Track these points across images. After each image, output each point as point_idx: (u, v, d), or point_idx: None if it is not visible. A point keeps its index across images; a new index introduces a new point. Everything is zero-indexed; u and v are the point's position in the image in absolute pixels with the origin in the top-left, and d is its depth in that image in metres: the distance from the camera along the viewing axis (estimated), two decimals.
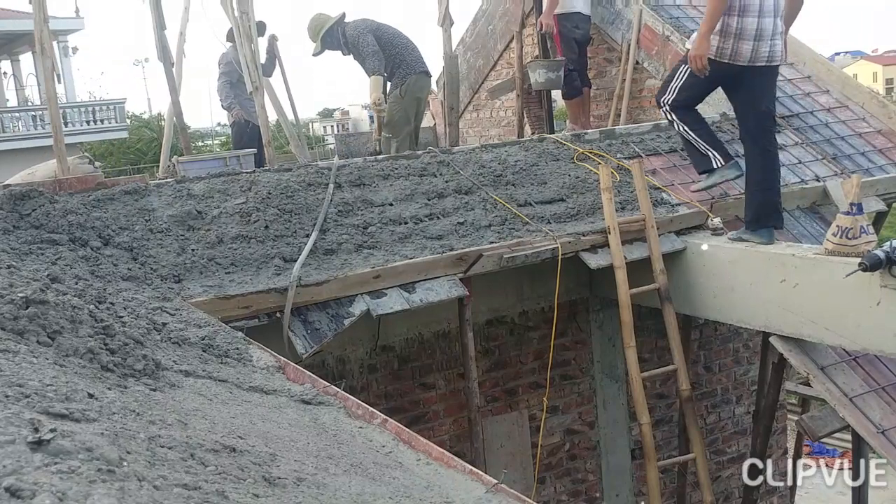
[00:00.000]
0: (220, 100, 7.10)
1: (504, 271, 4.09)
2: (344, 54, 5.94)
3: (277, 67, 7.00)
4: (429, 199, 4.28)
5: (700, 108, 5.89)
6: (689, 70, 4.27)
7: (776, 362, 4.58)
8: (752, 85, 4.22)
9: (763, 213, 4.23)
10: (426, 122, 7.86)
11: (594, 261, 4.23)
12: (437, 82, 7.99)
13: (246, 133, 6.89)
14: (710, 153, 4.44)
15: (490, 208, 4.29)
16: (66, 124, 20.85)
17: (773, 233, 4.25)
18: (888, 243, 3.37)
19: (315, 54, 6.11)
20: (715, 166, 4.44)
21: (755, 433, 5.22)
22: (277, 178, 4.09)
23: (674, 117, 4.46)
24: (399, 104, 5.89)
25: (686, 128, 4.44)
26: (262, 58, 6.76)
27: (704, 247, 4.36)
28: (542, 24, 6.29)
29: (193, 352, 2.35)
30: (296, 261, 3.56)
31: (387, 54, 5.85)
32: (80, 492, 0.95)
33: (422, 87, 6.01)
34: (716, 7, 4.10)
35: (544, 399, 4.74)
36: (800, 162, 5.42)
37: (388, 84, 5.96)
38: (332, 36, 5.94)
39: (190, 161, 5.53)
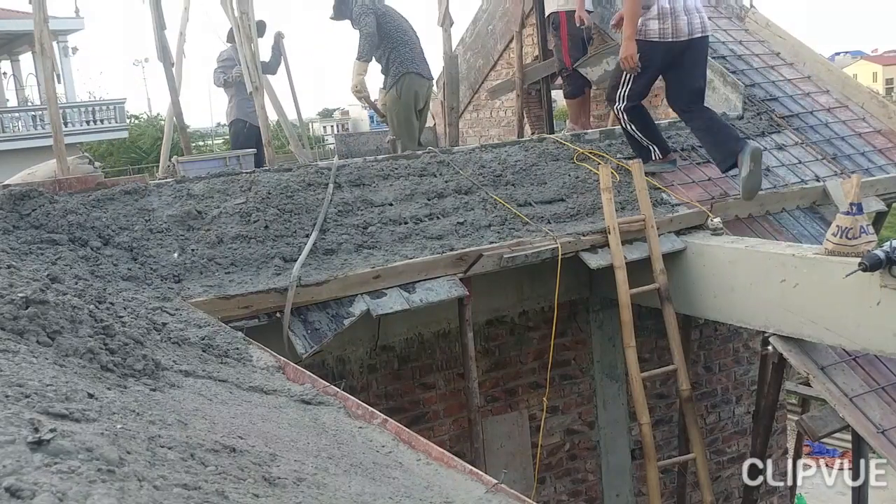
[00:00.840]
0: (213, 81, 7.08)
1: (504, 271, 4.09)
2: (353, 27, 5.74)
3: (282, 65, 6.98)
4: (429, 199, 4.28)
5: None
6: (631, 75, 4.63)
7: (776, 362, 4.58)
8: (686, 61, 4.61)
9: (730, 145, 4.56)
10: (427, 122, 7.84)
11: (594, 261, 4.23)
12: (437, 82, 7.98)
13: (242, 133, 6.88)
14: (650, 147, 4.85)
15: (490, 208, 4.29)
16: (65, 124, 20.84)
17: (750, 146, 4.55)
18: (888, 243, 3.36)
19: (331, 18, 5.93)
20: (653, 158, 4.85)
21: (755, 433, 5.22)
22: (277, 178, 4.09)
23: (625, 117, 4.80)
24: (397, 105, 5.75)
25: (633, 127, 4.80)
26: (267, 56, 6.76)
27: (717, 220, 4.51)
28: (580, 19, 6.13)
29: (193, 352, 2.35)
30: (296, 261, 3.56)
31: (384, 45, 5.66)
32: (80, 492, 0.95)
33: (415, 87, 5.77)
34: (633, 10, 4.51)
35: (544, 399, 4.74)
36: (800, 162, 5.42)
37: (386, 79, 5.86)
38: (346, 5, 5.73)
39: (190, 161, 5.53)
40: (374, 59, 5.76)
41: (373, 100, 6.30)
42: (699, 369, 5.66)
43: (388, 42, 5.69)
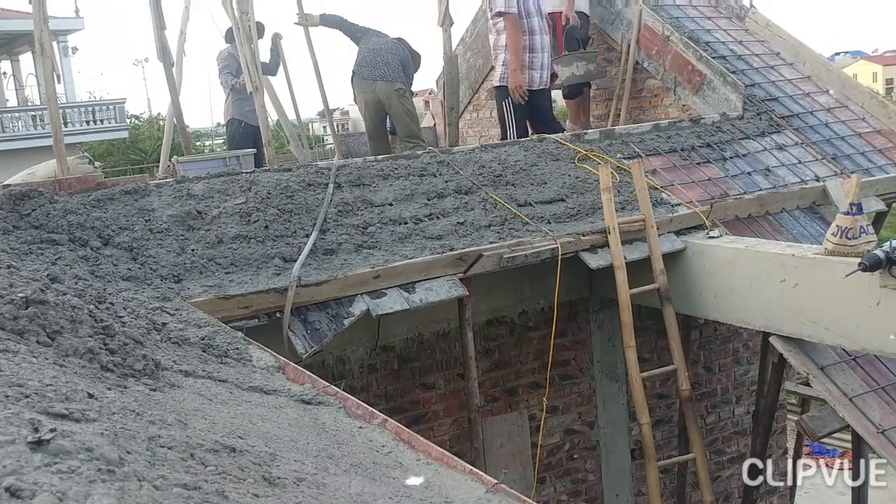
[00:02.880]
0: (221, 83, 7.06)
1: (504, 271, 4.08)
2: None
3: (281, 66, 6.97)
4: (429, 199, 4.28)
5: (700, 107, 5.92)
6: (510, 104, 5.71)
7: (776, 362, 4.58)
8: (537, 103, 5.86)
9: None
10: (426, 122, 7.85)
11: (594, 261, 4.23)
12: (437, 82, 7.97)
13: (238, 132, 6.85)
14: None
15: (490, 208, 4.29)
16: (65, 124, 20.84)
17: None
18: (888, 243, 3.36)
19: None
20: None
21: (755, 433, 5.22)
22: (277, 178, 4.09)
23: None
24: None
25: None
26: (266, 58, 6.75)
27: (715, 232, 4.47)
28: (567, 18, 6.36)
29: (193, 352, 2.35)
30: (296, 261, 3.56)
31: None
32: (80, 492, 0.95)
33: (356, 88, 6.13)
34: (517, 48, 5.61)
35: (544, 399, 4.74)
36: (800, 162, 5.42)
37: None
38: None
39: (190, 161, 5.53)
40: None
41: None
42: (699, 369, 5.66)
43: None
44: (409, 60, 6.19)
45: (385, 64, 6.00)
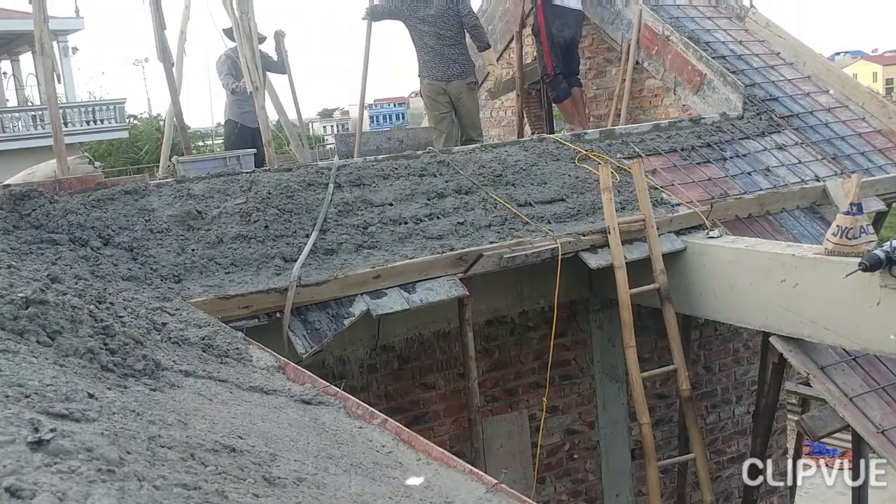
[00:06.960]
0: (223, 85, 7.03)
1: (504, 271, 4.09)
2: None
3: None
4: (429, 199, 4.28)
5: (700, 107, 5.92)
6: None
7: (776, 362, 4.58)
8: None
9: None
10: (425, 122, 7.85)
11: (594, 261, 4.23)
12: None
13: (234, 133, 6.83)
14: None
15: (490, 208, 4.29)
16: (65, 124, 20.83)
17: None
18: (888, 243, 3.36)
19: None
20: None
21: (755, 433, 5.22)
22: (277, 178, 4.09)
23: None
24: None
25: None
26: (274, 57, 6.73)
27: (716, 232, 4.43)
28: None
29: (193, 352, 2.35)
30: (296, 261, 3.56)
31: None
32: (80, 492, 0.95)
33: (434, 90, 6.09)
34: None
35: (544, 399, 4.74)
36: (800, 162, 5.42)
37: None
38: None
39: (190, 161, 5.52)
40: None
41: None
42: (699, 369, 5.66)
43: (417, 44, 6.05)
44: (471, 29, 6.16)
45: (454, 62, 5.98)
